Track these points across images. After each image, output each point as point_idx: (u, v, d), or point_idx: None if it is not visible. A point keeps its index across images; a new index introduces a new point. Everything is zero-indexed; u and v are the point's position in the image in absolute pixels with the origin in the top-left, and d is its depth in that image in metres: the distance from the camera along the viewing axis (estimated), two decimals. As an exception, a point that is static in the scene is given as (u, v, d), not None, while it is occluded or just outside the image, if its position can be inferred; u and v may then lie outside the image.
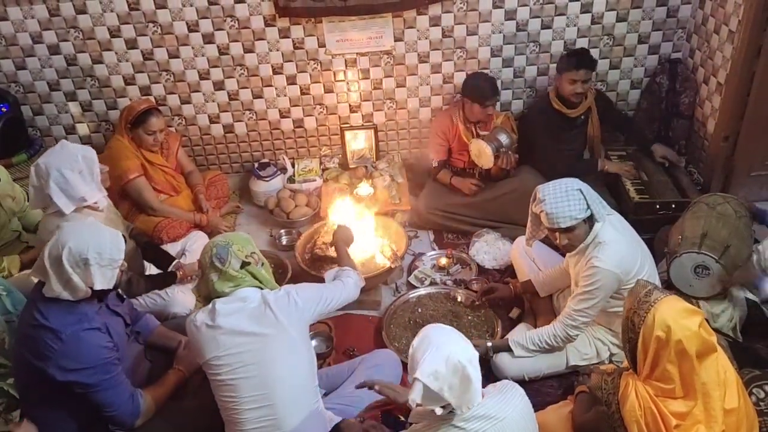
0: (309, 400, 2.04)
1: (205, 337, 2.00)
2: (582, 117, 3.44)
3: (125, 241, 2.15)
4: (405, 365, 2.57)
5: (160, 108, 3.45)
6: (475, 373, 1.66)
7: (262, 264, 2.17)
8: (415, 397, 1.62)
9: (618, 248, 2.32)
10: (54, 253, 1.96)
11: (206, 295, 2.12)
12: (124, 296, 2.35)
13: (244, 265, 2.08)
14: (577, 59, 3.27)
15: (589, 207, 2.31)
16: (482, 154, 3.25)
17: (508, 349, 2.51)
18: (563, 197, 2.31)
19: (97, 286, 2.00)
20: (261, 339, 1.98)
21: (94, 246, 1.98)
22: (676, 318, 1.70)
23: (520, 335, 2.52)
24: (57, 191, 2.45)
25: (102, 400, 2.03)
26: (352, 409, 2.23)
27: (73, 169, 2.47)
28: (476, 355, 1.70)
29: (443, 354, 1.64)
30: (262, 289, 2.09)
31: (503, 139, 3.25)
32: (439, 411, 1.66)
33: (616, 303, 2.39)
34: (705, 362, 1.71)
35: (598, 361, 2.54)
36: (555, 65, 3.59)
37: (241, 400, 1.97)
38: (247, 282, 2.07)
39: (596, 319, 2.50)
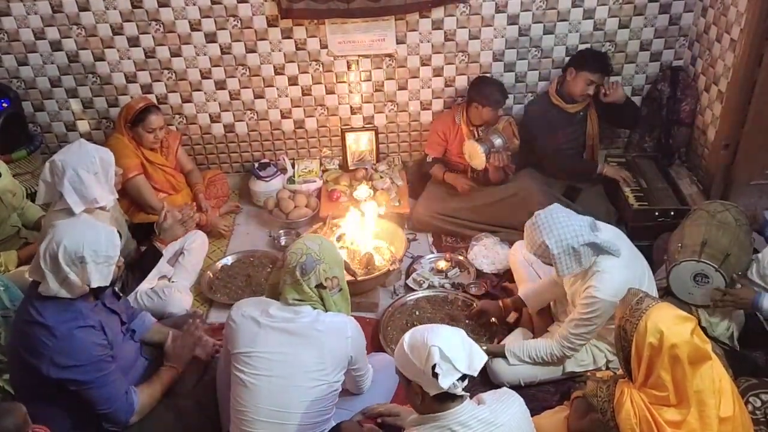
0: (320, 429, 2.01)
1: (246, 329, 1.98)
2: (581, 113, 3.44)
3: (121, 237, 2.15)
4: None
5: (160, 106, 3.46)
6: (471, 340, 1.74)
7: (340, 290, 2.13)
8: (437, 361, 1.62)
9: (616, 276, 2.27)
10: (50, 253, 1.96)
11: (273, 285, 2.09)
12: (121, 294, 2.34)
13: (320, 287, 2.04)
14: (601, 63, 3.27)
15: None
16: (474, 154, 3.28)
17: (504, 356, 2.50)
18: (531, 231, 2.34)
19: (94, 284, 2.00)
20: (296, 357, 1.95)
21: (90, 244, 1.98)
22: (669, 324, 1.70)
23: (517, 345, 2.51)
24: (70, 190, 2.44)
25: (96, 397, 2.03)
26: (349, 413, 2.22)
27: (89, 171, 2.47)
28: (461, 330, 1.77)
29: (439, 329, 1.73)
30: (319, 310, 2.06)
31: (496, 140, 3.29)
32: (459, 387, 1.65)
33: (611, 322, 2.39)
34: (699, 370, 1.70)
35: (595, 368, 2.53)
36: (559, 67, 3.61)
37: (257, 408, 1.93)
38: (312, 302, 2.04)
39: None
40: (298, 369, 1.95)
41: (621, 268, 2.29)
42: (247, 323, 1.99)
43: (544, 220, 2.30)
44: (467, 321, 2.88)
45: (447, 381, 1.63)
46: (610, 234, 2.38)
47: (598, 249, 2.28)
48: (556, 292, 2.69)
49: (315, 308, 2.04)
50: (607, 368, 2.53)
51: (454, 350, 1.65)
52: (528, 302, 2.75)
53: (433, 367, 1.62)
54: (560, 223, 2.26)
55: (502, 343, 2.60)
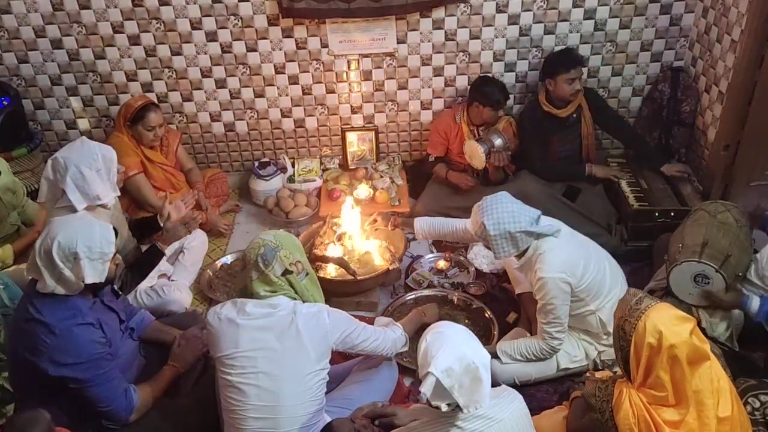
0: (312, 420, 2.02)
1: (226, 332, 1.98)
2: (573, 116, 3.45)
3: (117, 236, 2.14)
4: (401, 367, 2.57)
5: (160, 105, 3.46)
6: (486, 376, 1.70)
7: (307, 274, 2.12)
8: (426, 390, 1.64)
9: (557, 253, 2.36)
10: (45, 248, 1.96)
11: (242, 288, 2.08)
12: (119, 292, 2.34)
13: (286, 272, 2.04)
14: (569, 59, 3.30)
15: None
16: (474, 154, 3.29)
17: (497, 356, 2.52)
18: (475, 212, 2.47)
19: (88, 280, 2.00)
20: (279, 351, 1.96)
21: (83, 240, 1.98)
22: (668, 324, 1.70)
23: (508, 345, 2.54)
24: (72, 187, 2.44)
25: (95, 395, 2.03)
26: (347, 412, 2.22)
27: (92, 168, 2.47)
28: (488, 358, 1.74)
29: (458, 352, 1.67)
30: (296, 299, 2.06)
31: (496, 140, 3.31)
32: (444, 408, 1.67)
33: (578, 305, 2.45)
34: (698, 370, 1.71)
35: (588, 362, 2.57)
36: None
37: (247, 406, 1.94)
38: (284, 290, 2.04)
39: (570, 326, 2.51)
40: (283, 361, 1.96)
41: (561, 246, 2.39)
42: (225, 326, 1.99)
43: (489, 202, 2.43)
44: (467, 321, 2.88)
45: (439, 402, 1.67)
46: (549, 222, 2.47)
47: (535, 235, 2.37)
48: (457, 236, 2.80)
49: (291, 298, 2.04)
50: (601, 360, 2.56)
51: (454, 379, 1.64)
52: (421, 228, 2.87)
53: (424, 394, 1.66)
54: (502, 208, 2.38)
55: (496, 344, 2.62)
